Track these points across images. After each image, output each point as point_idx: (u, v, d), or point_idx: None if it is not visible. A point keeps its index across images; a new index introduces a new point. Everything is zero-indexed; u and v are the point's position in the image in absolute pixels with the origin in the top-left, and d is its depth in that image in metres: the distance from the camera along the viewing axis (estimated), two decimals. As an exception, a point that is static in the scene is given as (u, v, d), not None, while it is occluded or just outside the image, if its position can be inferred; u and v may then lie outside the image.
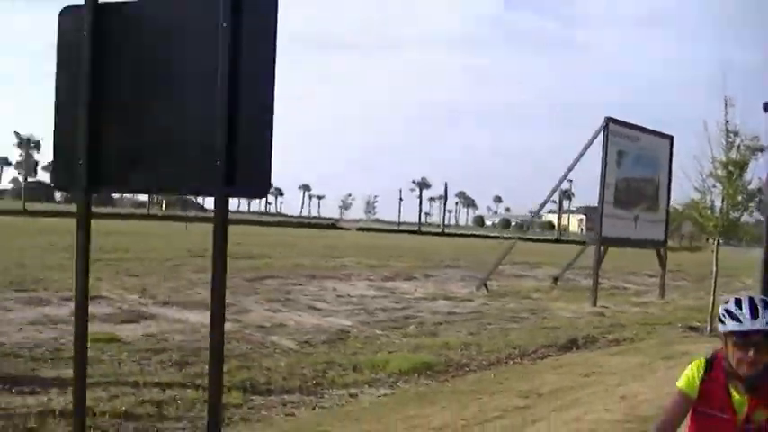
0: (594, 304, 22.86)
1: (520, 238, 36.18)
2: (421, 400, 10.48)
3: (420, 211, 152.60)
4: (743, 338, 3.46)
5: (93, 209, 4.64)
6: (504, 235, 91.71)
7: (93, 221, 4.47)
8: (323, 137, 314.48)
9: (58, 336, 13.04)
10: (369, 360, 12.41)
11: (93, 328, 13.41)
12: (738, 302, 3.54)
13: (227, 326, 13.54)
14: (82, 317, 4.34)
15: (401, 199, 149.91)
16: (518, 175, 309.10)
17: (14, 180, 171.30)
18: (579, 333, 16.82)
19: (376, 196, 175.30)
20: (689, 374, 3.67)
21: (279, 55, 3.85)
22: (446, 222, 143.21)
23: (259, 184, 4.05)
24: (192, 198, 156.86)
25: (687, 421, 3.70)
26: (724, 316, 3.55)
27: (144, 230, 52.48)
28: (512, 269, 30.81)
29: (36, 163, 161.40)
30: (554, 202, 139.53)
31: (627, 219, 26.32)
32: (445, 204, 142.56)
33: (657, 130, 28.03)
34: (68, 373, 10.11)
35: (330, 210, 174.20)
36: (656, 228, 28.09)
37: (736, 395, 3.55)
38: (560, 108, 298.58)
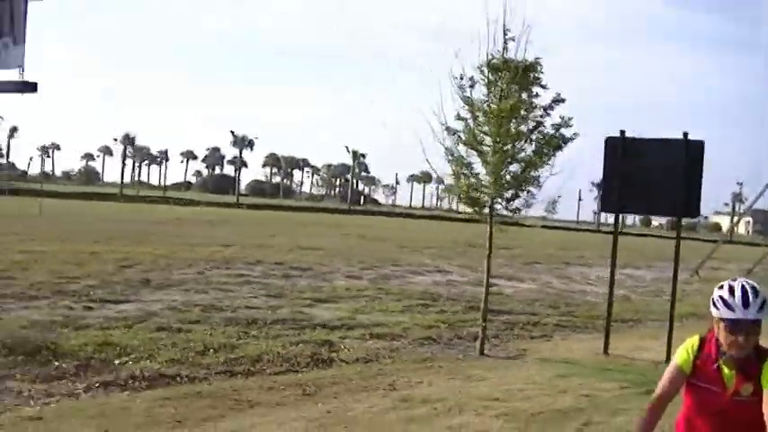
0: (787, 289, 30.03)
1: (725, 242, 43.12)
2: (704, 326, 18.32)
3: (599, 211, 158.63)
4: (734, 325, 3.69)
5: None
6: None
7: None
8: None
9: (458, 291, 21.43)
10: (660, 309, 20.28)
11: (480, 288, 21.79)
12: (731, 290, 3.74)
13: (550, 290, 22.01)
14: (611, 285, 12.72)
15: (580, 199, 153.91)
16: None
17: (198, 173, 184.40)
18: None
19: (559, 196, 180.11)
20: (684, 352, 3.96)
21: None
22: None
23: (695, 210, 12.60)
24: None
25: (682, 392, 4.03)
26: (717, 302, 3.76)
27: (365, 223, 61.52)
28: (708, 263, 37.85)
29: (222, 157, 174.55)
30: (726, 204, 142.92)
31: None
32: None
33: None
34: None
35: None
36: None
37: (726, 370, 3.81)
38: (728, 109, 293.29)
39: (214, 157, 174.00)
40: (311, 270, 22.59)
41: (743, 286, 3.74)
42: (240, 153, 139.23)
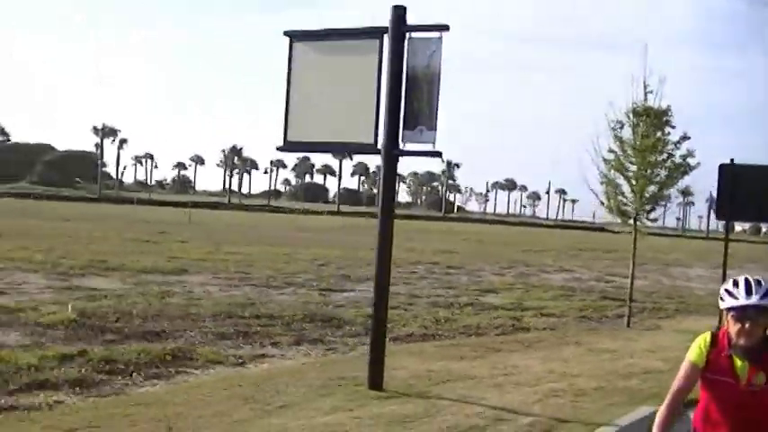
0: None
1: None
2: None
3: (685, 217, 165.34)
4: (739, 313, 3.87)
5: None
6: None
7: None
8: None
9: (586, 286, 25.95)
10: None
11: (602, 284, 26.39)
12: (735, 283, 3.93)
13: (660, 285, 26.45)
14: (724, 272, 17.07)
15: (665, 206, 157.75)
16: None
17: (286, 180, 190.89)
18: None
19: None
20: (696, 348, 4.08)
21: None
22: (699, 227, 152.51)
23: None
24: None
25: (698, 386, 4.17)
26: (723, 294, 3.95)
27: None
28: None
29: (312, 165, 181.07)
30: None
31: None
32: (709, 213, 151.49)
33: None
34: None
35: (583, 212, 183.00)
36: None
37: (738, 362, 3.96)
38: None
39: (304, 165, 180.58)
40: (463, 268, 27.43)
41: (746, 278, 3.93)
42: (340, 163, 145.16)
